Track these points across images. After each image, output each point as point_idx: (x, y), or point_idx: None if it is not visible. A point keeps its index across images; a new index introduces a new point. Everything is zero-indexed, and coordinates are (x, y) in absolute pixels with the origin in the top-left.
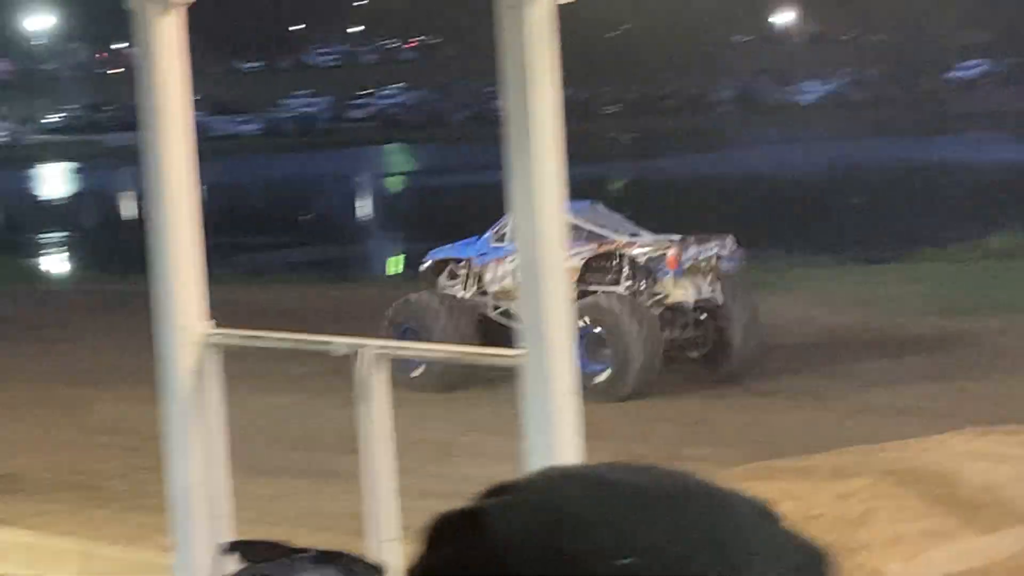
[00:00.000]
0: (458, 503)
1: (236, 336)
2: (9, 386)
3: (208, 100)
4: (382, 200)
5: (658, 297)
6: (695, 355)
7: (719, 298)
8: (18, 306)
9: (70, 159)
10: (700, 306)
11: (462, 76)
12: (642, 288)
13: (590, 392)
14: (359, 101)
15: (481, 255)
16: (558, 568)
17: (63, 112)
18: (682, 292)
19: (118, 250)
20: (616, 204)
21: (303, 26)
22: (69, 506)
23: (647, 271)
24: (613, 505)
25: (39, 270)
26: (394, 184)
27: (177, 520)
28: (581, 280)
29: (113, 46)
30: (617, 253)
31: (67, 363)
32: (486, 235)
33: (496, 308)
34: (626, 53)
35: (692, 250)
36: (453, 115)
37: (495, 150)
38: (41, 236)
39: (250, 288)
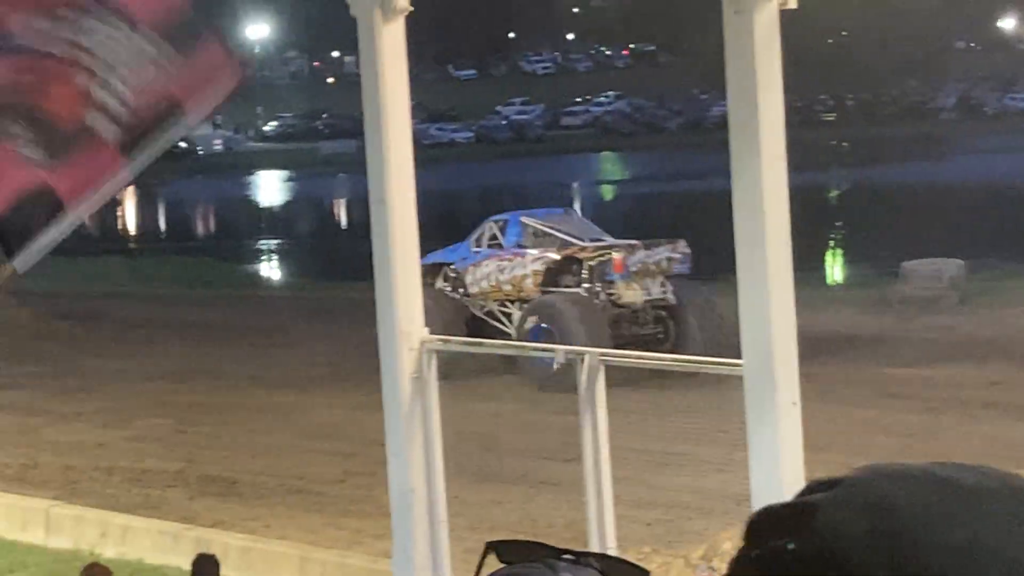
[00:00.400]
0: (680, 513)
1: (455, 343)
2: (227, 391)
3: (423, 108)
4: (595, 208)
5: (612, 298)
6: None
7: (671, 298)
8: (235, 311)
9: (285, 167)
10: (657, 305)
11: (677, 83)
12: (598, 290)
13: (543, 382)
14: (573, 108)
15: (462, 259)
16: (895, 562)
17: (279, 120)
18: (632, 293)
19: (332, 257)
20: (833, 213)
21: (517, 34)
22: (286, 510)
23: (600, 274)
24: (950, 501)
25: (255, 276)
26: (607, 192)
27: (396, 525)
28: (549, 282)
29: (329, 55)
30: (577, 258)
31: (283, 368)
32: (467, 241)
33: (481, 307)
34: (845, 59)
35: (640, 254)
36: (667, 122)
37: (711, 158)
38: (257, 242)
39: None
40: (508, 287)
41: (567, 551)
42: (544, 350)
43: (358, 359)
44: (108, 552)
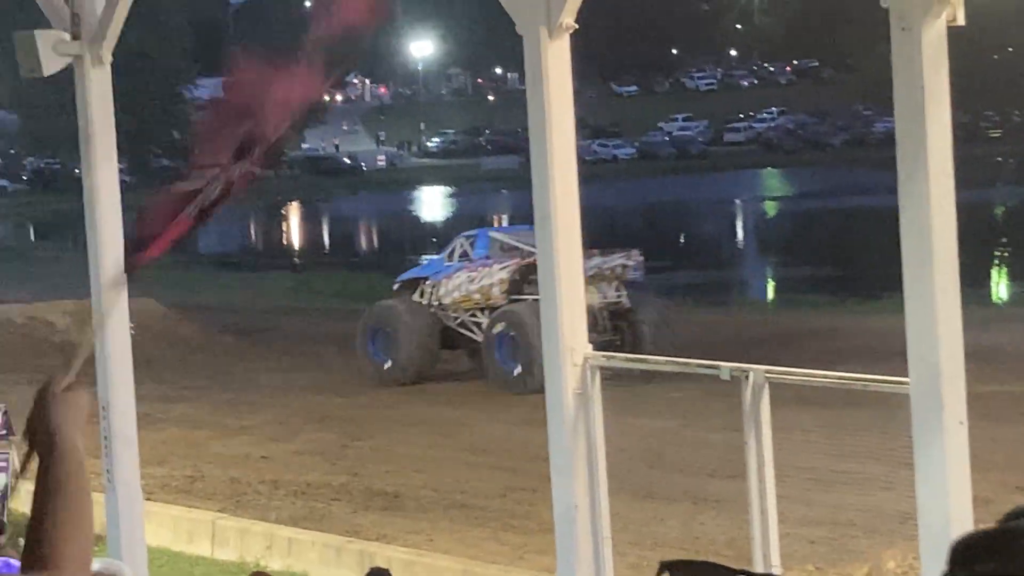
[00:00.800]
0: (844, 531)
1: (619, 359)
2: (389, 405)
3: (584, 124)
4: (758, 224)
5: None
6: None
7: (626, 302)
8: None
9: (448, 182)
10: (610, 310)
11: (840, 99)
12: None
13: (507, 385)
14: (736, 125)
15: (435, 273)
16: None
17: (442, 136)
18: (588, 297)
19: None
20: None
21: (680, 50)
22: (448, 524)
23: None
24: None
25: None
26: (771, 208)
27: (560, 540)
28: (514, 291)
29: (492, 71)
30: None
31: (446, 385)
32: (441, 255)
33: (454, 318)
34: (1011, 75)
35: (595, 261)
36: (831, 139)
37: (875, 174)
38: (420, 258)
39: None
40: (477, 296)
41: (742, 571)
42: (708, 367)
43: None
44: (274, 564)
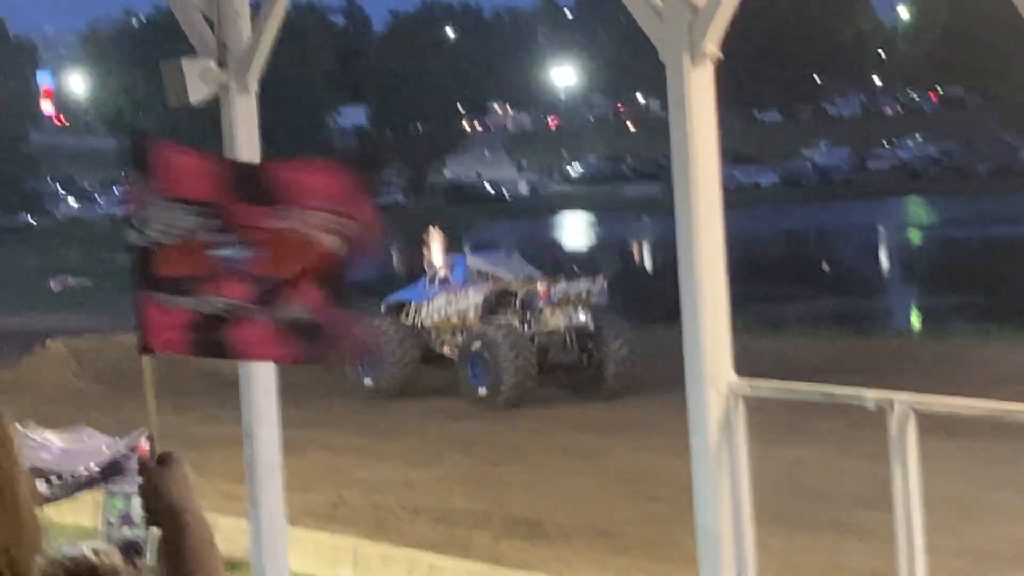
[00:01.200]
0: (990, 563)
1: (765, 388)
2: (532, 432)
3: (726, 151)
4: (902, 252)
5: (539, 325)
6: (580, 376)
7: (590, 325)
8: None
9: (589, 209)
10: (576, 332)
11: (985, 127)
12: (528, 318)
13: (477, 402)
14: (879, 152)
15: (419, 296)
16: None
17: (583, 163)
18: (555, 320)
19: (637, 300)
20: None
21: (823, 77)
22: (591, 553)
23: (529, 304)
24: None
25: None
26: (915, 236)
27: (703, 570)
28: (488, 313)
29: (633, 97)
30: (511, 291)
31: (587, 410)
32: (424, 280)
33: (437, 339)
34: None
35: (562, 286)
36: (976, 166)
37: (1022, 203)
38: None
39: (768, 339)
40: (455, 319)
41: None
42: (854, 396)
43: (662, 403)
44: None
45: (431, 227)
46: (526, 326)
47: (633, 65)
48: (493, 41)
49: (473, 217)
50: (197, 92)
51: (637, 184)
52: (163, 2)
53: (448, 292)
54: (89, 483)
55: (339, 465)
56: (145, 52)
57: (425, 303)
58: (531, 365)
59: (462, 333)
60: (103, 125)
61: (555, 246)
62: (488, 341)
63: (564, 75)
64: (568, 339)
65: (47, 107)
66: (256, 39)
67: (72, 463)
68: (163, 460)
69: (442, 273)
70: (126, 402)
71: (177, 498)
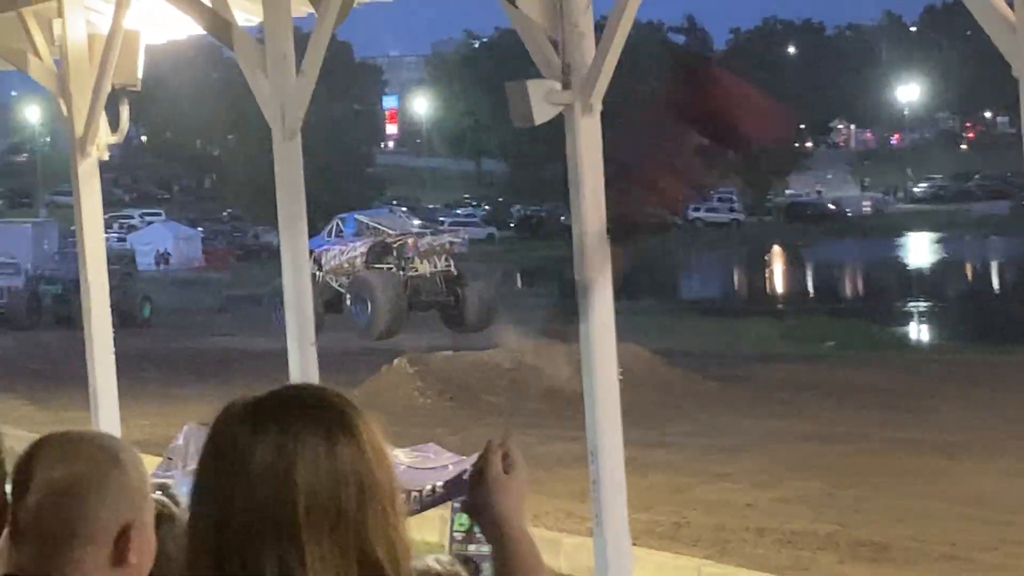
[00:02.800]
0: None
1: None
2: (875, 454)
3: None
4: None
5: (411, 270)
6: (449, 312)
7: (454, 270)
8: (883, 374)
9: (935, 228)
10: (443, 276)
11: None
12: (402, 265)
13: (359, 333)
14: None
15: (320, 247)
16: None
17: (929, 181)
18: (423, 266)
19: (985, 320)
20: None
21: None
22: None
23: (401, 254)
24: None
25: (904, 338)
26: None
27: None
28: (372, 262)
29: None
30: (388, 243)
31: (931, 432)
32: (323, 232)
33: (335, 281)
34: None
35: (427, 239)
36: None
37: None
38: (906, 304)
39: None
40: (346, 266)
41: None
42: None
43: (1008, 424)
44: None
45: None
46: (401, 272)
47: (981, 81)
48: (835, 58)
49: (814, 235)
50: (542, 113)
51: (986, 203)
52: (503, 23)
53: (341, 243)
54: (436, 500)
55: (680, 485)
56: (485, 73)
57: (324, 252)
58: (402, 302)
59: (350, 278)
60: (446, 146)
61: (898, 266)
62: (367, 284)
63: (908, 92)
64: (438, 282)
65: (391, 129)
66: (600, 60)
67: (419, 481)
68: (508, 470)
69: (337, 227)
70: (471, 420)
71: (504, 513)
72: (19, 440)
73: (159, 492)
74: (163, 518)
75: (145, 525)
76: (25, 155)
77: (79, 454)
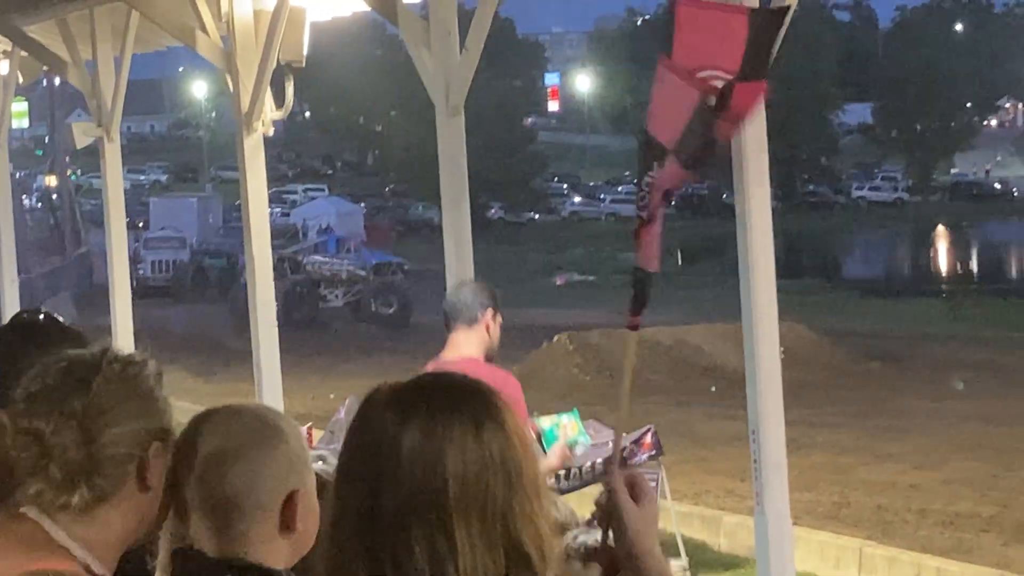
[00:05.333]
0: None
1: None
2: None
3: None
4: None
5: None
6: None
7: (360, 272)
8: None
9: None
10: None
11: None
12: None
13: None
14: None
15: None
16: None
17: None
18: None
19: None
20: None
21: None
22: None
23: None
24: None
25: None
26: None
27: None
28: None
29: None
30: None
31: None
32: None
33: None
34: None
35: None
36: None
37: None
38: None
39: None
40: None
41: None
42: None
43: None
44: None
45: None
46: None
47: None
48: (1004, 35)
49: (979, 216)
50: None
51: None
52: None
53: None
54: (596, 477)
55: (842, 465)
56: (647, 50)
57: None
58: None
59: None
60: (607, 123)
61: None
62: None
63: None
64: (350, 280)
65: (553, 106)
66: None
67: (581, 458)
68: (636, 496)
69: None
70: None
71: (643, 547)
72: (186, 413)
73: (320, 462)
74: (324, 488)
75: (309, 493)
76: (190, 130)
77: (240, 426)
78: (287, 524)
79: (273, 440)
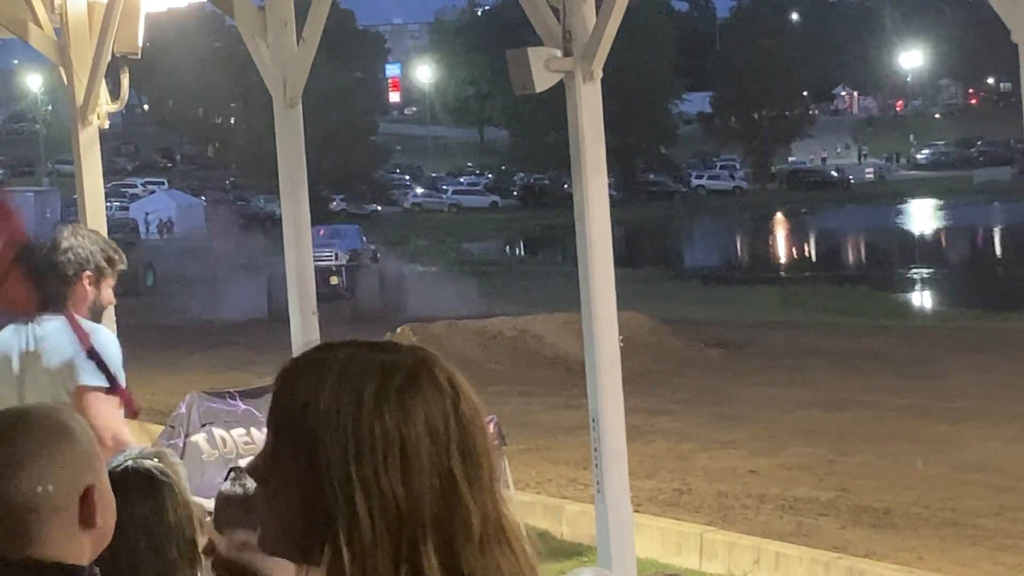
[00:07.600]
0: None
1: None
2: (877, 421)
3: None
4: None
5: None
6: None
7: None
8: (886, 341)
9: (937, 195)
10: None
11: None
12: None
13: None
14: None
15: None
16: None
17: (931, 148)
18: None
19: (986, 286)
20: None
21: None
22: (939, 543)
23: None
24: None
25: (906, 305)
26: None
27: None
28: None
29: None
30: None
31: (934, 400)
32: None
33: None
34: None
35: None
36: None
37: None
38: (908, 271)
39: None
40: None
41: None
42: None
43: (1011, 391)
44: None
45: None
46: None
47: (983, 47)
48: (838, 25)
49: (817, 203)
50: (543, 80)
51: (988, 169)
52: None
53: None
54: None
55: (683, 452)
56: (488, 41)
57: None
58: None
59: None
60: (448, 115)
61: (901, 232)
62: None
63: (911, 59)
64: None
65: (394, 97)
66: (600, 28)
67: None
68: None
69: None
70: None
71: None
72: None
73: (156, 460)
74: (164, 487)
75: (105, 487)
76: (27, 124)
77: (27, 428)
78: (87, 520)
79: (64, 439)
